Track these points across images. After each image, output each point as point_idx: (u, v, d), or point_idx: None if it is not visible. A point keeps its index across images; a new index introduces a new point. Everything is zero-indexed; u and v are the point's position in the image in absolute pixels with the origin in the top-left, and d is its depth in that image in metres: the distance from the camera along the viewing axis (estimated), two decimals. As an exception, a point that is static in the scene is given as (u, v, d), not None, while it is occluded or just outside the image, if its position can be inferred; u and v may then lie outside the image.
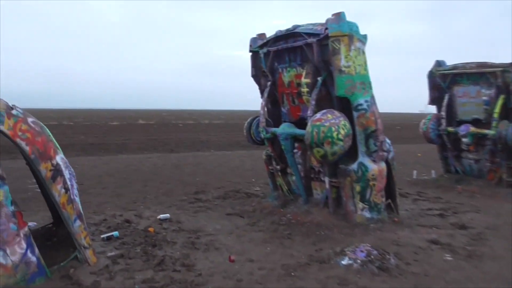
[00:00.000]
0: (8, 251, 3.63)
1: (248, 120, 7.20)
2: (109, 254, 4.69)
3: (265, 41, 6.63)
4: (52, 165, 4.04)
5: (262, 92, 7.01)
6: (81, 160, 12.70)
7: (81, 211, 4.38)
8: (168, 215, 6.32)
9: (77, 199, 4.36)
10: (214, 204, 7.28)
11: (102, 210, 6.69)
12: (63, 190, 4.11)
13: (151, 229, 5.60)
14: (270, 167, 7.16)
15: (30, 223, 4.75)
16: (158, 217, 6.23)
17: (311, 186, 6.59)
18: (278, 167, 6.96)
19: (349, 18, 5.58)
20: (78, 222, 4.27)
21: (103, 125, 34.17)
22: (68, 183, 4.21)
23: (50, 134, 4.33)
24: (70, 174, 4.31)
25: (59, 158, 4.19)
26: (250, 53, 6.92)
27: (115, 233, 5.36)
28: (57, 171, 4.08)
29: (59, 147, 4.37)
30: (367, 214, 5.82)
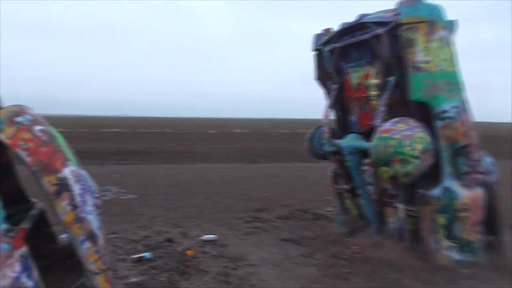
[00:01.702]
0: (-4, 274, 3.23)
1: (311, 130, 6.16)
2: (129, 280, 4.14)
3: (329, 36, 5.58)
4: (57, 178, 3.57)
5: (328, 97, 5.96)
6: (156, 169, 12.80)
7: (94, 231, 3.85)
8: (214, 236, 5.63)
9: (91, 217, 3.85)
10: (273, 226, 6.39)
11: (151, 224, 6.25)
12: (69, 208, 3.62)
13: (189, 253, 4.97)
14: (337, 187, 6.04)
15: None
16: (202, 237, 5.57)
17: (384, 213, 5.34)
18: (346, 186, 5.82)
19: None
20: (87, 244, 3.74)
21: (200, 133, 35.41)
22: (78, 199, 3.71)
23: (62, 143, 3.91)
24: (83, 189, 3.83)
25: (69, 171, 3.72)
26: (314, 52, 5.90)
27: (147, 254, 4.83)
28: (63, 186, 3.59)
29: (72, 158, 3.93)
30: (455, 255, 4.43)
